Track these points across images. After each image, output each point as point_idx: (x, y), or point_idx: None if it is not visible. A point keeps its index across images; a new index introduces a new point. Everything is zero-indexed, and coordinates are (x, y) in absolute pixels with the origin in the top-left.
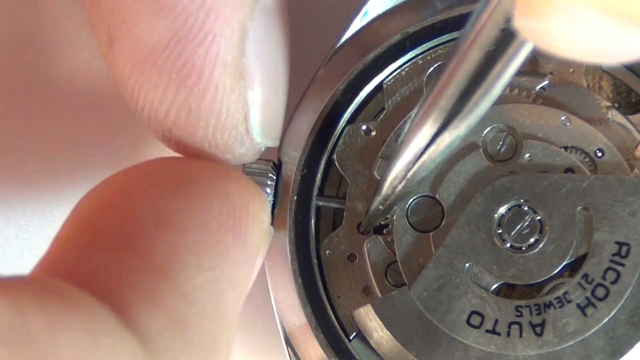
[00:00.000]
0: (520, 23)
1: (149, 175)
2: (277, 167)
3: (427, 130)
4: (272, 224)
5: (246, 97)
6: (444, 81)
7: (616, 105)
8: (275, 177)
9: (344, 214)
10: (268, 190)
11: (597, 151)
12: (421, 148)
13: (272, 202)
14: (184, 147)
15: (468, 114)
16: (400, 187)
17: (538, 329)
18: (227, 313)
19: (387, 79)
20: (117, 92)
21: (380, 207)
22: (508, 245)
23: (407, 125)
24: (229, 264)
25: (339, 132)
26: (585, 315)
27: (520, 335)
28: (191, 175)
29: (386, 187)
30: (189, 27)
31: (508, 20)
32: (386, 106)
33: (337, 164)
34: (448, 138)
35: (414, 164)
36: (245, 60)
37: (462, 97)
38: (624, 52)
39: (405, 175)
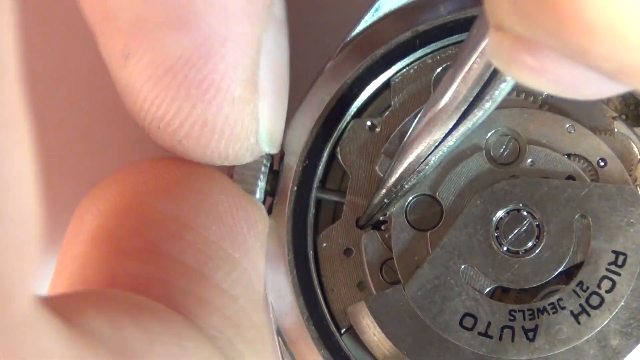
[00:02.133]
0: (491, 55)
1: (154, 179)
2: (280, 157)
3: (442, 125)
4: (270, 213)
5: (259, 109)
6: (460, 78)
7: (623, 116)
8: (266, 174)
9: (344, 207)
10: (258, 183)
11: (600, 160)
12: (436, 141)
13: (270, 191)
14: (192, 157)
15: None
16: (409, 180)
17: (530, 334)
18: (261, 301)
19: (394, 76)
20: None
21: (386, 200)
22: (505, 249)
23: (420, 119)
24: (251, 253)
25: (343, 126)
26: (578, 322)
27: (512, 340)
28: (194, 174)
29: (394, 180)
30: (211, 43)
31: None
32: (392, 103)
33: (339, 157)
34: (462, 130)
35: (426, 158)
36: (259, 72)
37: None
38: (591, 92)
39: (416, 168)
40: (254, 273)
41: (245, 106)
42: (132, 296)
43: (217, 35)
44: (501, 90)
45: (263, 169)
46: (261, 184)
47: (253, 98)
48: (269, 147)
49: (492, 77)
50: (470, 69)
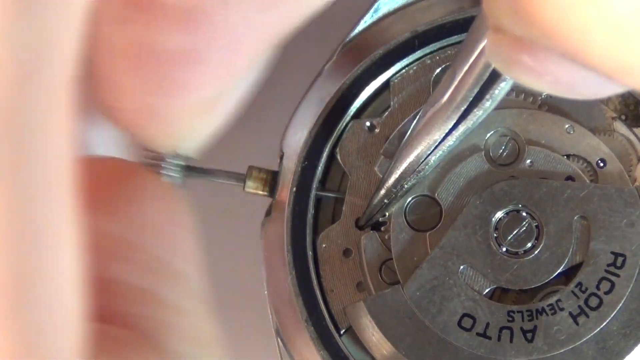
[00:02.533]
0: (490, 56)
1: (87, 192)
2: (279, 158)
3: (442, 125)
4: (270, 214)
5: (207, 123)
6: (459, 77)
7: (623, 117)
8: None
9: (343, 208)
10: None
11: (599, 161)
12: (435, 141)
13: (269, 192)
14: (117, 125)
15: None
16: (409, 180)
17: (529, 335)
18: (209, 309)
19: (394, 77)
20: None
21: (385, 201)
22: (504, 249)
23: (419, 119)
24: (194, 259)
25: (342, 127)
26: (577, 323)
27: (511, 341)
28: (126, 179)
29: (393, 180)
30: (204, 53)
31: None
32: (391, 104)
33: (339, 158)
34: (462, 130)
35: (426, 158)
36: (230, 94)
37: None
38: (591, 92)
39: (416, 168)
40: (201, 280)
41: (198, 118)
42: (104, 327)
43: (214, 47)
44: (501, 90)
45: (177, 162)
46: (174, 173)
47: (208, 113)
48: (192, 154)
49: (492, 76)
50: (469, 68)
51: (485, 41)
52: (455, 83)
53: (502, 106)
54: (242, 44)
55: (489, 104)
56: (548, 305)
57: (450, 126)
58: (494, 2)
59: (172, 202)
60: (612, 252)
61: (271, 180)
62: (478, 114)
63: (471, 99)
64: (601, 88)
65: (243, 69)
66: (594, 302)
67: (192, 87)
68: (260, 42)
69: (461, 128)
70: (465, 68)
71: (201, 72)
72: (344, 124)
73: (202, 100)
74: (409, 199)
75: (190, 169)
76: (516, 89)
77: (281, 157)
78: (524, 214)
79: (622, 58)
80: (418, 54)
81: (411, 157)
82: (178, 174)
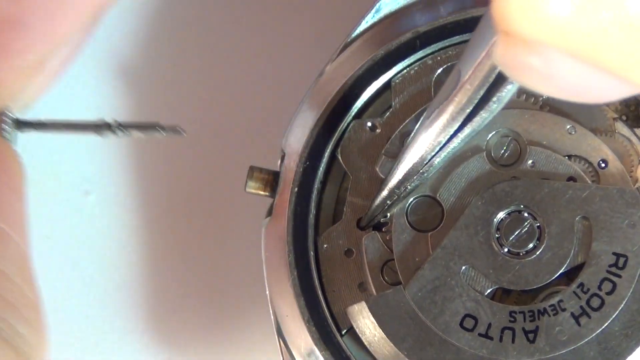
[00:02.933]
0: (499, 60)
1: None
2: (281, 158)
3: (447, 127)
4: (271, 214)
5: (33, 84)
6: (465, 79)
7: (624, 117)
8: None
9: (344, 208)
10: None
11: (601, 162)
12: (440, 143)
13: (271, 192)
14: None
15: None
16: (412, 181)
17: (531, 336)
18: (32, 273)
19: (395, 77)
20: None
21: (388, 202)
22: (505, 250)
23: (423, 120)
24: (18, 220)
25: (344, 127)
26: (578, 324)
27: (513, 341)
28: None
29: (397, 182)
30: (27, 16)
31: None
32: (393, 104)
33: (340, 158)
34: (467, 131)
35: (430, 160)
36: (53, 59)
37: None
38: (600, 95)
39: (420, 170)
40: (23, 242)
41: (25, 79)
42: None
43: (37, 14)
44: (508, 91)
45: (9, 118)
46: (7, 127)
47: (34, 75)
48: (19, 113)
49: (498, 78)
50: (475, 70)
51: (492, 44)
52: (461, 84)
53: (503, 107)
54: (64, 11)
55: (495, 106)
56: (550, 306)
57: (455, 128)
58: (505, 4)
59: (1, 161)
60: (613, 253)
61: (272, 181)
62: (484, 116)
63: (477, 100)
64: (611, 92)
65: (65, 34)
66: (595, 302)
67: (17, 51)
68: (81, 10)
69: (466, 130)
70: (471, 70)
71: (26, 37)
72: (346, 124)
73: (27, 63)
74: (411, 199)
75: (24, 124)
76: (518, 90)
77: (282, 157)
78: (526, 214)
79: (636, 59)
80: (419, 54)
81: (415, 159)
82: (11, 128)
